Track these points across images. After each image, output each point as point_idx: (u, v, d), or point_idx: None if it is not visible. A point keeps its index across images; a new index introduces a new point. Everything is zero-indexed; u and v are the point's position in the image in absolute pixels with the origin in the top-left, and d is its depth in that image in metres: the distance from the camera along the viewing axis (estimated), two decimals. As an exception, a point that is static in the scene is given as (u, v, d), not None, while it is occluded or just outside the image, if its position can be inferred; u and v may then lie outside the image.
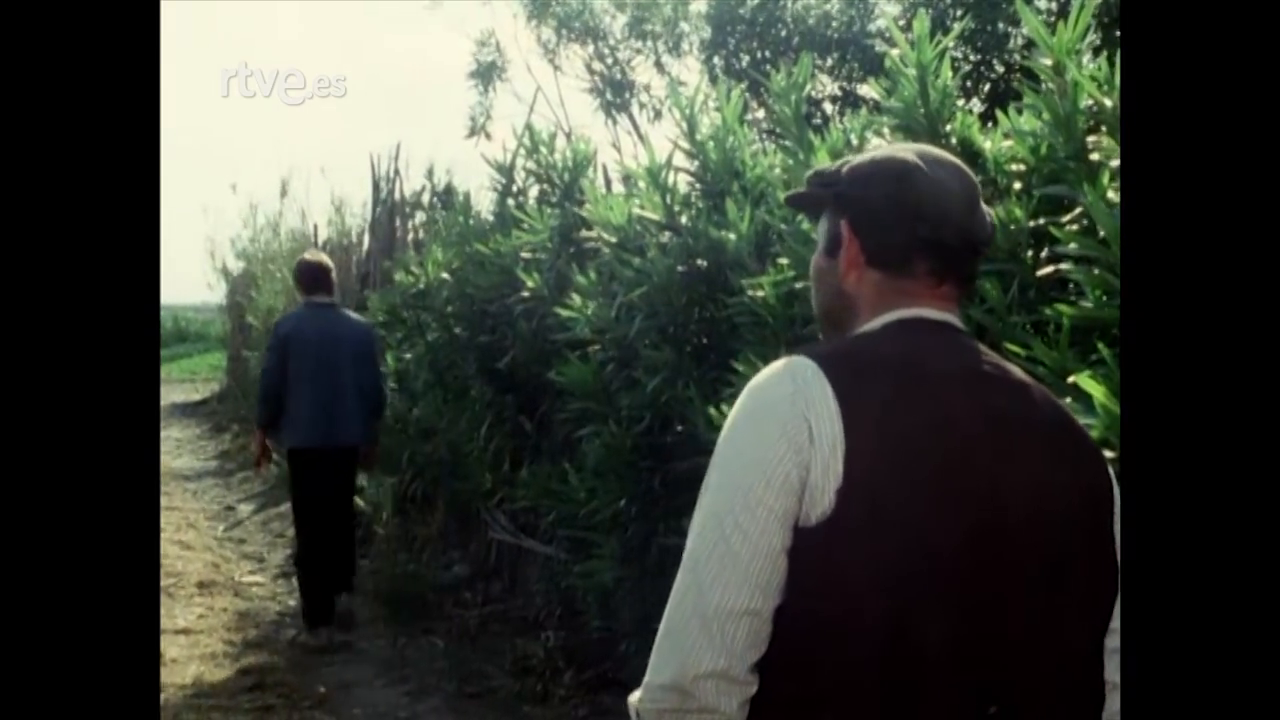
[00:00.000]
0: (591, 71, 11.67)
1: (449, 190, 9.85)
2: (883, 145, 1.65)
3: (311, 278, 6.03)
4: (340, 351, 5.86)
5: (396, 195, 10.22)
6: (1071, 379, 1.92)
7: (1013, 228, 2.54)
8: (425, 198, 10.02)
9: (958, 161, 1.56)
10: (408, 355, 7.22)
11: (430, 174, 10.37)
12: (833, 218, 1.56)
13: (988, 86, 8.26)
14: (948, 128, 2.85)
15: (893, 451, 1.33)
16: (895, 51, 2.90)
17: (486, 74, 12.46)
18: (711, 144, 3.91)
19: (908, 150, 1.55)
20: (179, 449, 12.88)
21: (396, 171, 10.30)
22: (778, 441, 1.33)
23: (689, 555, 1.35)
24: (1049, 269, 2.44)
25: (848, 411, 1.33)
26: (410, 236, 9.79)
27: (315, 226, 13.75)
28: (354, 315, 6.27)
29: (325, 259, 6.19)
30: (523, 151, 5.81)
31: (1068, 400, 1.94)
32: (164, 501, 9.47)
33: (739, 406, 1.40)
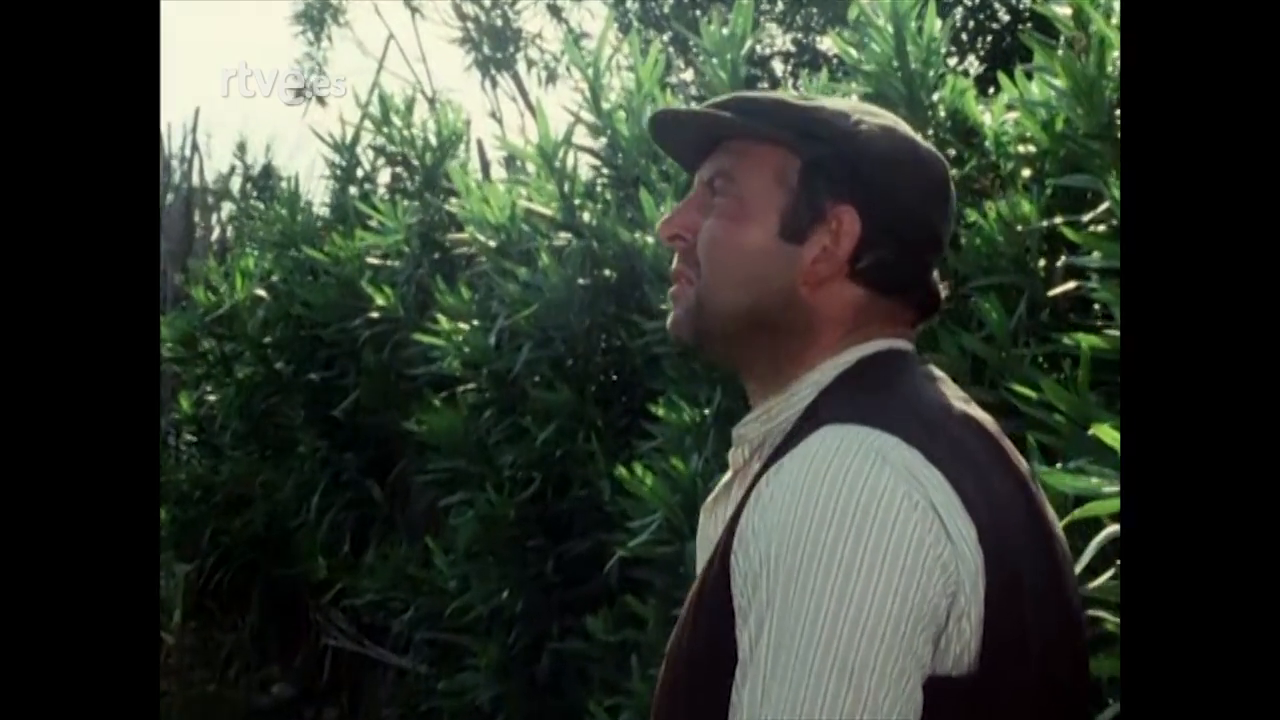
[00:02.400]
0: (463, 16, 11.66)
1: (268, 174, 9.78)
2: (864, 105, 1.56)
3: None
4: None
5: (195, 180, 10.13)
6: (1093, 430, 1.93)
7: (1019, 229, 2.59)
8: (235, 183, 9.94)
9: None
10: (211, 398, 7.13)
11: (242, 151, 10.30)
12: (813, 187, 1.45)
13: (987, 41, 8.40)
14: (934, 96, 2.90)
15: (1013, 559, 1.31)
16: (865, -4, 2.95)
17: (317, 17, 12.39)
18: (623, 115, 3.94)
19: (911, 131, 1.52)
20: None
21: (195, 147, 10.20)
22: (917, 558, 1.24)
23: None
24: (1066, 285, 2.48)
25: (969, 505, 1.28)
26: (214, 236, 9.71)
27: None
28: None
29: None
30: (369, 123, 5.79)
31: (1086, 460, 1.95)
32: None
33: (820, 509, 1.26)
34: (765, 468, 1.36)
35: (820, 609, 1.22)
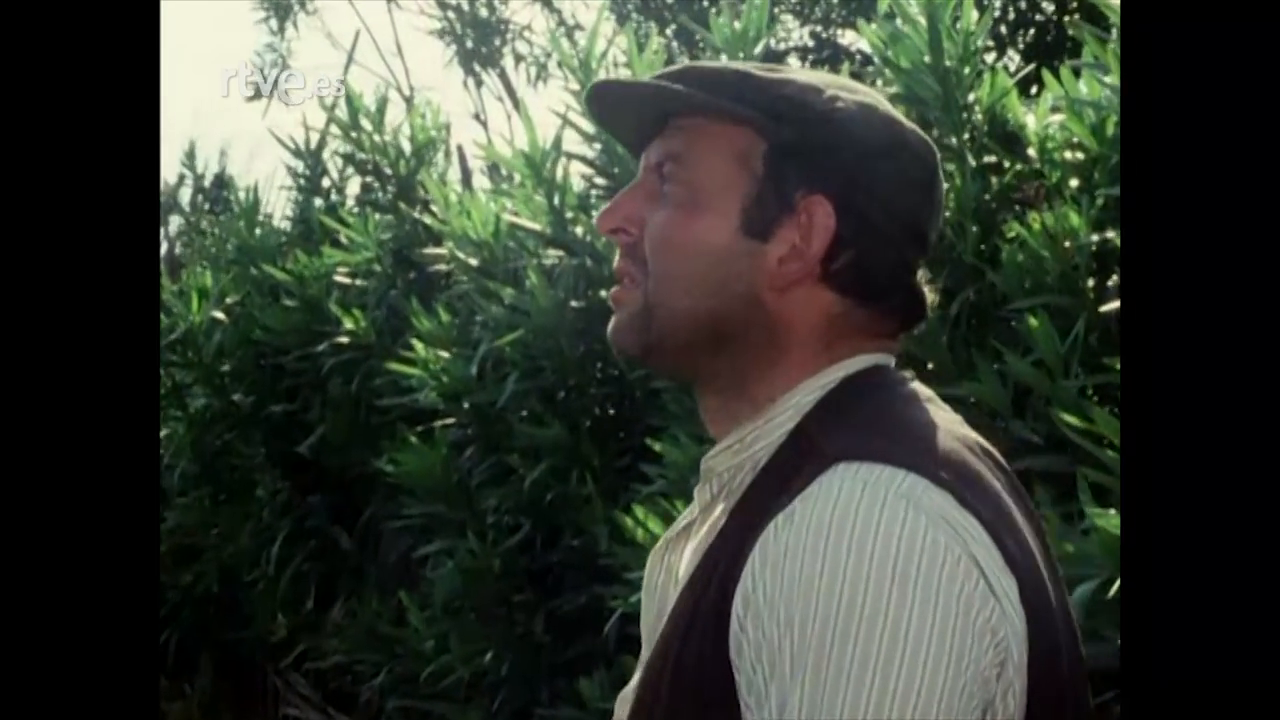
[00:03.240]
0: (444, 5, 11.70)
1: (222, 183, 9.79)
2: (840, 79, 1.47)
3: None
4: None
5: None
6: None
7: (1067, 244, 2.59)
8: (185, 194, 9.96)
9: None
10: (160, 433, 7.13)
11: (191, 156, 10.31)
12: (780, 174, 1.38)
13: (1030, 34, 8.42)
14: (971, 96, 2.90)
15: (1049, 617, 1.28)
16: (894, -17, 2.96)
17: (283, 3, 12.41)
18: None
19: (893, 110, 1.45)
20: None
21: (142, 153, 10.22)
22: (966, 622, 1.18)
23: None
24: (1119, 303, 2.48)
25: (1008, 557, 1.23)
26: (162, 252, 9.73)
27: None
28: None
29: None
30: (336, 126, 5.81)
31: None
32: None
33: (853, 566, 1.19)
34: (742, 510, 1.32)
35: (863, 686, 1.16)
